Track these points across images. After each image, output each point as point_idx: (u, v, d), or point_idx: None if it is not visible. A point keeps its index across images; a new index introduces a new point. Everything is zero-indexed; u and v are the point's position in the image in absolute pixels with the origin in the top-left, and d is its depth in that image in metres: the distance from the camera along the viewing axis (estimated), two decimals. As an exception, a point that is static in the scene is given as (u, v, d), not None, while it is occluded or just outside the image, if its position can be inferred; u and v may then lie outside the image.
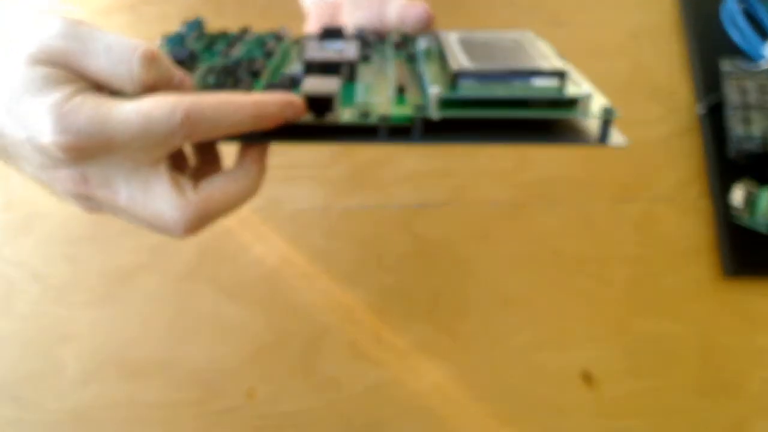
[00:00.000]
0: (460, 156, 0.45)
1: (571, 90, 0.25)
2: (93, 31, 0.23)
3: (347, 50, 0.29)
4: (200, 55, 0.31)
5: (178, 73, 0.25)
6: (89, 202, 0.25)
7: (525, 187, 0.44)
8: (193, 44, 0.33)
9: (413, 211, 0.44)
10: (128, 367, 0.40)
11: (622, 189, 0.44)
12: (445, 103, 0.25)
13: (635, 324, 0.40)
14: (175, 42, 0.32)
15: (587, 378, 0.39)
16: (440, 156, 0.45)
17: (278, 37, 0.35)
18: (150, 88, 0.23)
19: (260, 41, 0.34)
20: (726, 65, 0.44)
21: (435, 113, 0.25)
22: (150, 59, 0.23)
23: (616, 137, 0.26)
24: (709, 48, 0.46)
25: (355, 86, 0.29)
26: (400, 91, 0.27)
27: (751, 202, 0.41)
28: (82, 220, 0.44)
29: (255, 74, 0.29)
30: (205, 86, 0.28)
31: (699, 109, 0.45)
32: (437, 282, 0.42)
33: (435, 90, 0.25)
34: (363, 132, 0.26)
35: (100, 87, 0.24)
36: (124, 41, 0.23)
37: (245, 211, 0.44)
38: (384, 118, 0.25)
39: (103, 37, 0.23)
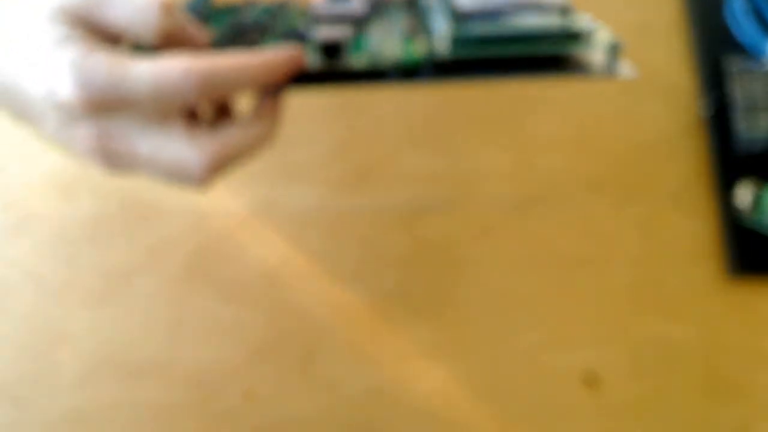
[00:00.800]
0: (460, 156, 0.45)
1: (576, 23, 0.26)
2: None
3: (355, 7, 0.31)
4: (212, 21, 0.33)
5: (194, 23, 0.26)
6: (109, 159, 0.25)
7: (526, 187, 0.44)
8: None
9: (413, 211, 0.44)
10: (126, 368, 0.40)
11: (625, 189, 0.44)
12: (453, 41, 0.26)
13: (638, 325, 0.40)
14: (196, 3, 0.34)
15: (590, 380, 0.39)
16: (440, 156, 0.45)
17: (285, 6, 0.36)
18: (167, 37, 0.25)
19: (268, 10, 0.35)
20: (731, 64, 0.43)
21: (444, 51, 0.26)
22: (166, 7, 0.25)
23: (624, 69, 0.26)
24: (713, 46, 0.46)
25: (364, 36, 0.30)
26: (409, 34, 0.28)
27: (755, 202, 0.41)
28: (79, 221, 0.44)
29: (264, 29, 0.30)
30: (217, 44, 0.29)
31: (703, 108, 0.45)
32: (438, 282, 0.41)
33: (443, 28, 0.26)
34: (374, 75, 0.27)
35: (119, 42, 0.25)
36: None
37: (243, 210, 0.43)
38: (394, 62, 0.27)
39: None
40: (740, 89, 0.43)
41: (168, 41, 0.25)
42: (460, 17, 0.26)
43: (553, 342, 0.40)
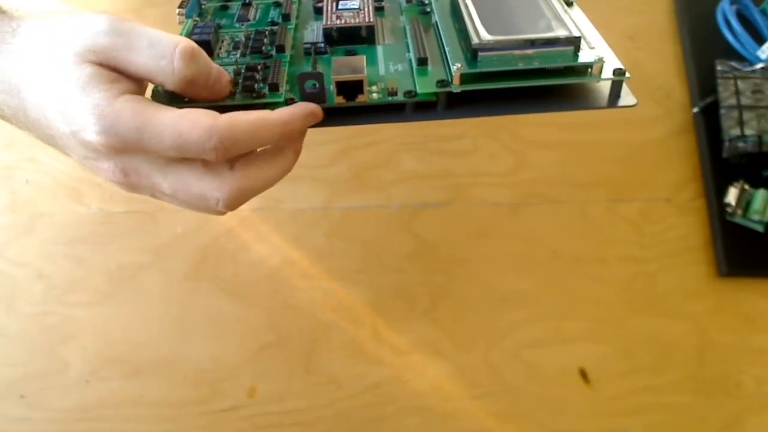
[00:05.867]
0: (459, 156, 0.46)
1: (584, 56, 0.27)
2: (136, 26, 0.24)
3: (363, 11, 0.31)
4: (222, 25, 0.33)
5: (215, 68, 0.26)
6: (133, 189, 0.27)
7: (523, 187, 0.45)
8: (208, 10, 0.34)
9: (413, 211, 0.44)
10: (131, 366, 0.40)
11: (620, 189, 0.45)
12: (467, 77, 0.27)
13: (632, 323, 0.41)
14: (192, 8, 0.33)
15: (585, 376, 0.40)
16: (440, 156, 0.46)
17: None
18: (189, 82, 0.25)
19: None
20: (720, 65, 0.44)
21: (457, 88, 0.27)
22: (190, 55, 0.24)
23: (625, 99, 0.28)
24: (704, 50, 0.47)
25: (375, 51, 0.30)
26: (421, 62, 0.28)
27: (746, 201, 0.42)
28: (86, 220, 0.44)
29: (280, 48, 0.30)
30: (235, 67, 0.29)
31: (694, 110, 0.46)
32: (437, 281, 0.42)
33: (457, 66, 0.27)
34: (389, 108, 0.28)
35: (143, 83, 0.25)
36: (165, 37, 0.24)
37: (246, 210, 0.44)
38: (409, 94, 0.27)
39: (145, 32, 0.24)
40: (729, 91, 0.43)
41: (190, 86, 0.25)
42: (475, 51, 0.27)
43: (549, 339, 0.40)
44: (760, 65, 0.44)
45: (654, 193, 0.44)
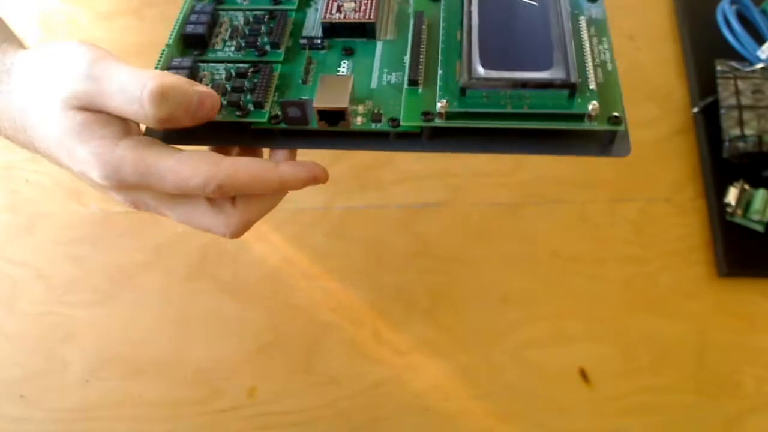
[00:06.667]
0: (459, 157, 0.46)
1: (580, 104, 0.26)
2: (108, 67, 0.24)
3: (366, 1, 0.30)
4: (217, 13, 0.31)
5: (196, 94, 0.25)
6: (145, 211, 0.27)
7: (523, 187, 0.45)
8: None
9: (413, 211, 0.44)
10: (131, 366, 0.40)
11: (619, 189, 0.45)
12: (453, 114, 0.26)
13: (632, 322, 0.41)
14: None
15: (585, 376, 0.40)
16: (440, 157, 0.46)
17: None
18: (166, 121, 0.24)
19: None
20: (720, 65, 0.44)
21: (442, 122, 0.26)
22: (159, 97, 0.23)
23: (619, 147, 0.27)
24: (704, 50, 0.47)
25: (374, 48, 0.29)
26: (412, 83, 0.28)
27: (746, 201, 0.42)
28: (86, 220, 0.44)
29: (274, 45, 0.29)
30: (225, 69, 0.29)
31: (694, 110, 0.46)
32: (437, 281, 0.42)
33: (442, 103, 0.26)
34: (373, 135, 0.27)
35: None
36: (134, 78, 0.24)
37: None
38: (393, 123, 0.27)
39: (117, 74, 0.24)
40: (729, 91, 0.43)
41: (169, 123, 0.25)
42: (462, 89, 0.26)
43: (549, 339, 0.41)
44: (760, 65, 0.44)
45: (654, 193, 0.44)
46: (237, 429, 0.39)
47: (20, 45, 0.28)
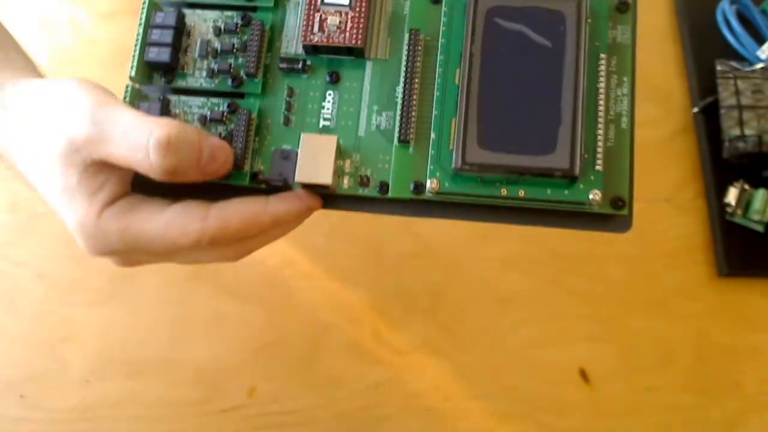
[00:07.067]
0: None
1: (581, 191, 0.24)
2: (112, 112, 0.23)
3: (354, 20, 0.26)
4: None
5: (207, 147, 0.24)
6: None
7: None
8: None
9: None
10: (132, 366, 0.40)
11: (619, 189, 0.44)
12: (444, 193, 0.25)
13: (631, 323, 0.41)
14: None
15: (585, 376, 0.40)
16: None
17: None
18: (173, 174, 0.23)
19: None
20: (720, 65, 0.44)
21: (433, 197, 0.25)
22: (165, 147, 0.22)
23: (619, 224, 0.26)
24: (704, 50, 0.47)
25: (363, 70, 0.27)
26: (403, 141, 0.25)
27: (746, 201, 0.42)
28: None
29: (250, 74, 0.26)
30: (200, 109, 0.27)
31: (695, 110, 0.46)
32: (437, 281, 0.42)
33: (433, 183, 0.24)
34: (359, 197, 0.26)
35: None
36: (139, 125, 0.22)
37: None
38: (382, 189, 0.25)
39: (121, 119, 0.22)
40: (729, 91, 0.43)
41: (176, 176, 0.23)
42: (459, 172, 0.24)
43: (549, 339, 0.41)
44: (760, 65, 0.44)
45: (654, 193, 0.44)
46: (237, 429, 0.39)
47: (33, 73, 0.27)
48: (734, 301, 0.41)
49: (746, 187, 0.42)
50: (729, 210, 0.42)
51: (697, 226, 0.43)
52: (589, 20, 0.25)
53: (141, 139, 0.22)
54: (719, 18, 0.47)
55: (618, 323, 0.41)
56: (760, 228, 0.41)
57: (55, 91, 0.24)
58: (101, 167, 0.23)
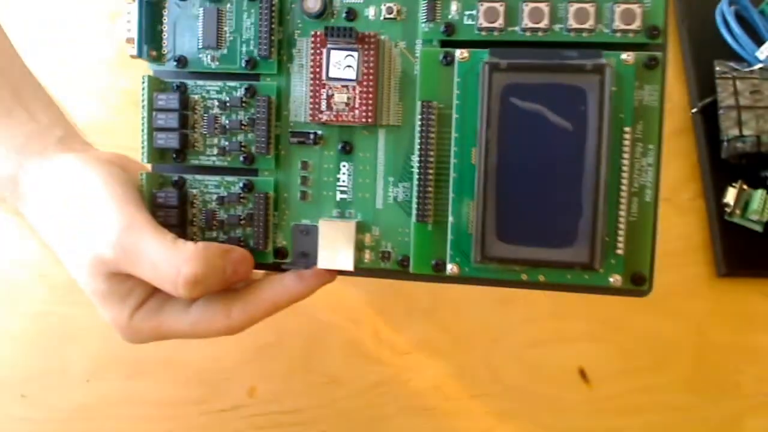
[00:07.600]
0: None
1: (602, 276, 0.24)
2: (141, 240, 0.24)
3: (364, 96, 0.25)
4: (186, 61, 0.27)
5: (230, 263, 0.25)
6: None
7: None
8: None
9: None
10: (132, 366, 0.40)
11: (618, 189, 0.45)
12: (463, 277, 0.25)
13: (631, 322, 0.41)
14: (144, 39, 0.26)
15: (584, 376, 0.40)
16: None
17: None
18: (199, 296, 0.25)
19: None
20: (719, 66, 0.44)
21: (454, 277, 0.25)
22: (193, 284, 0.24)
23: (636, 292, 0.25)
24: (703, 50, 0.47)
25: (375, 141, 0.26)
26: (422, 219, 0.25)
27: (744, 201, 0.42)
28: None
29: (261, 150, 0.26)
30: (220, 199, 0.27)
31: (694, 111, 0.46)
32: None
33: (453, 268, 0.25)
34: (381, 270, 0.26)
35: None
36: (167, 261, 0.24)
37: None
38: (402, 264, 0.26)
39: (149, 250, 0.24)
40: (727, 91, 0.43)
41: (204, 293, 0.25)
42: (479, 264, 0.24)
43: (548, 339, 0.41)
44: (758, 66, 0.44)
45: (653, 193, 0.44)
46: (237, 429, 0.39)
47: (58, 126, 0.28)
48: (733, 301, 0.41)
49: (745, 187, 0.42)
50: (728, 210, 0.42)
51: (695, 226, 0.43)
52: (614, 88, 0.23)
53: (169, 275, 0.24)
54: (718, 19, 0.47)
55: (617, 323, 0.41)
56: (758, 228, 0.41)
57: (83, 190, 0.25)
58: (128, 276, 0.25)
